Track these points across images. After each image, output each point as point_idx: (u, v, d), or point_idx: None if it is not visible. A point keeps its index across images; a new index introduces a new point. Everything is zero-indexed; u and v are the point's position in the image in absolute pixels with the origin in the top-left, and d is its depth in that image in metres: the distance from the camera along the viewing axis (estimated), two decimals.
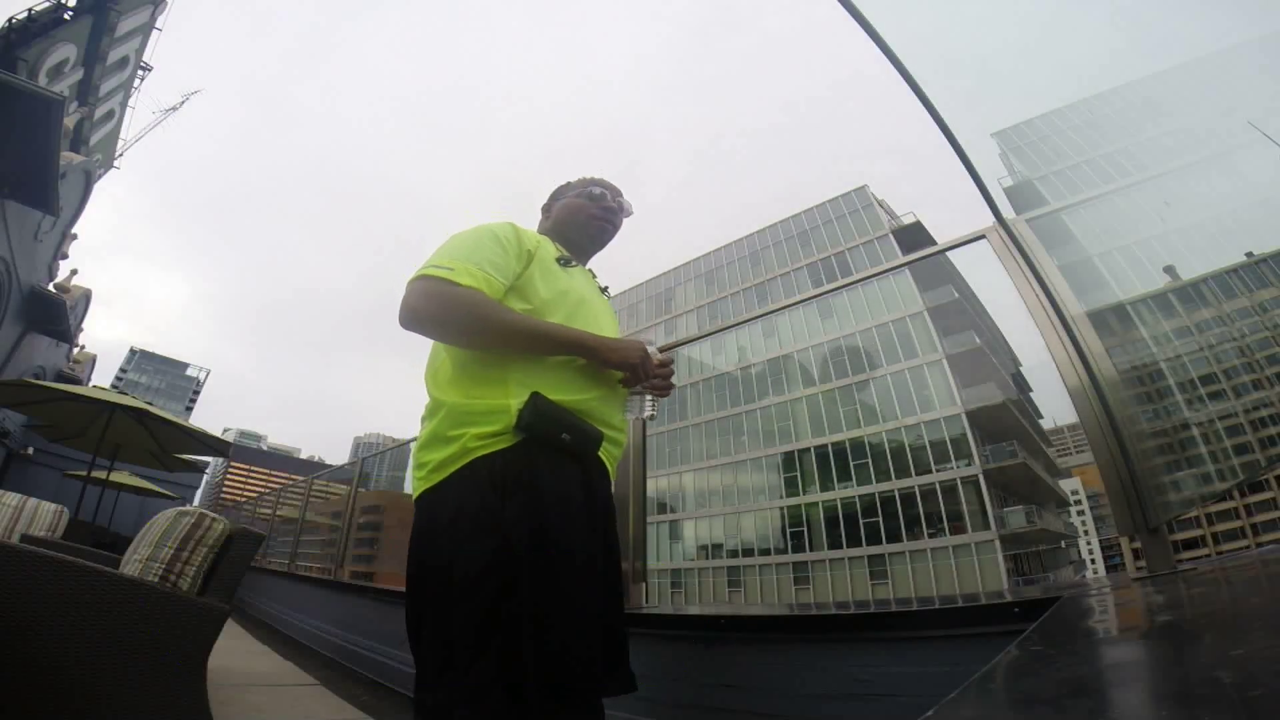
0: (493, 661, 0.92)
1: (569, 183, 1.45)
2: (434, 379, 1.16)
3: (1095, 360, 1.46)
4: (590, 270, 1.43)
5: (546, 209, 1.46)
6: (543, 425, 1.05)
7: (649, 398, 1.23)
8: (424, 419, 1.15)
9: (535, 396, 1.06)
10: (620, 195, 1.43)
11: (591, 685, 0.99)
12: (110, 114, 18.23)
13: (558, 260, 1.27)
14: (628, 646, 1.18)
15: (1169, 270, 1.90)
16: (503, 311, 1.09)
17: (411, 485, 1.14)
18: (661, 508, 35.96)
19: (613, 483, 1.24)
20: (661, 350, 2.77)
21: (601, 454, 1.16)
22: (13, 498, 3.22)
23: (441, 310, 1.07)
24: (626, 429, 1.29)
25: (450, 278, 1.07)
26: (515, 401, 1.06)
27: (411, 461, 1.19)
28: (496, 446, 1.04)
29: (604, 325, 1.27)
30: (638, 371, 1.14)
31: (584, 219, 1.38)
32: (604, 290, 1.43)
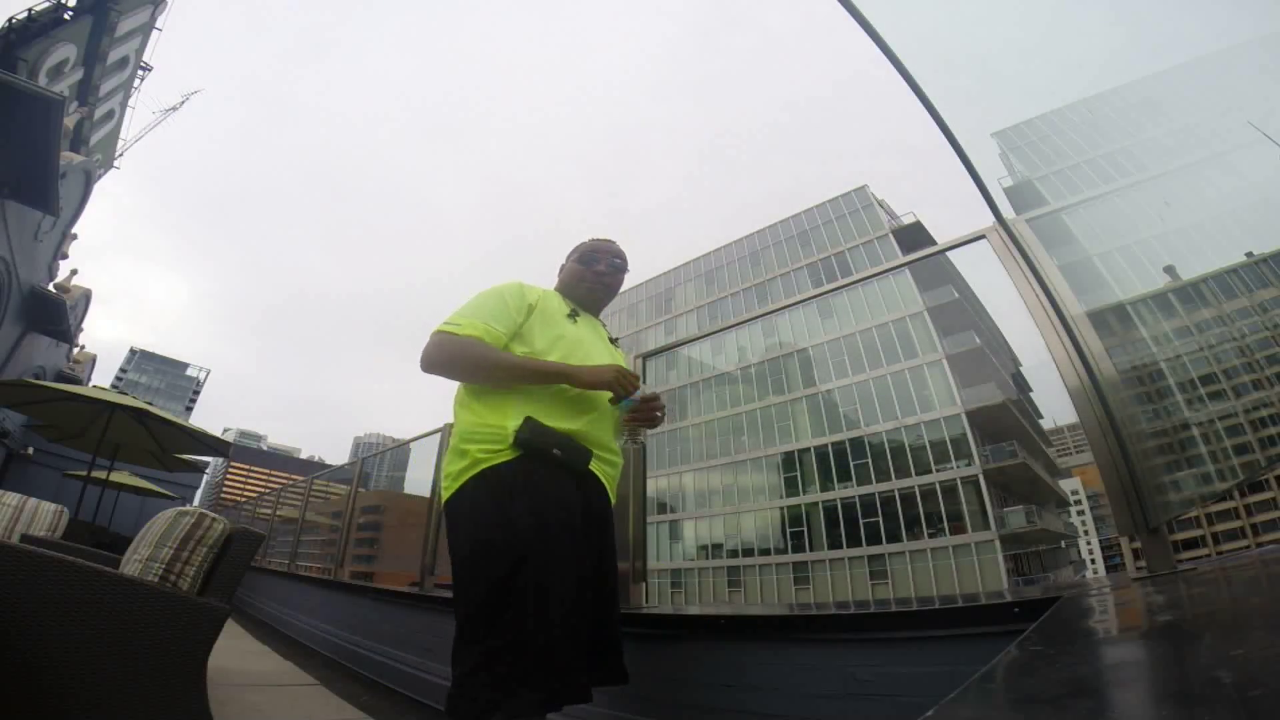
0: (501, 632, 1.10)
1: (578, 245, 1.67)
2: (457, 402, 1.39)
3: (1095, 360, 1.46)
4: (600, 322, 1.64)
5: (561, 268, 1.68)
6: (536, 442, 1.26)
7: (630, 429, 1.46)
8: (451, 437, 1.38)
9: (527, 420, 1.27)
10: (619, 256, 1.65)
11: (579, 655, 1.17)
12: (110, 114, 18.22)
13: (568, 316, 1.49)
14: (621, 644, 1.35)
15: (1169, 270, 1.90)
16: (495, 353, 1.32)
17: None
18: (661, 508, 35.94)
19: (612, 498, 1.43)
20: (661, 350, 2.77)
21: (595, 469, 1.36)
22: (13, 498, 3.22)
23: (447, 356, 1.31)
24: (620, 450, 1.49)
25: (456, 331, 1.32)
26: (512, 424, 1.27)
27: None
28: (500, 459, 1.25)
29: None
30: (614, 386, 1.32)
31: (575, 283, 1.61)
32: (614, 341, 1.67)
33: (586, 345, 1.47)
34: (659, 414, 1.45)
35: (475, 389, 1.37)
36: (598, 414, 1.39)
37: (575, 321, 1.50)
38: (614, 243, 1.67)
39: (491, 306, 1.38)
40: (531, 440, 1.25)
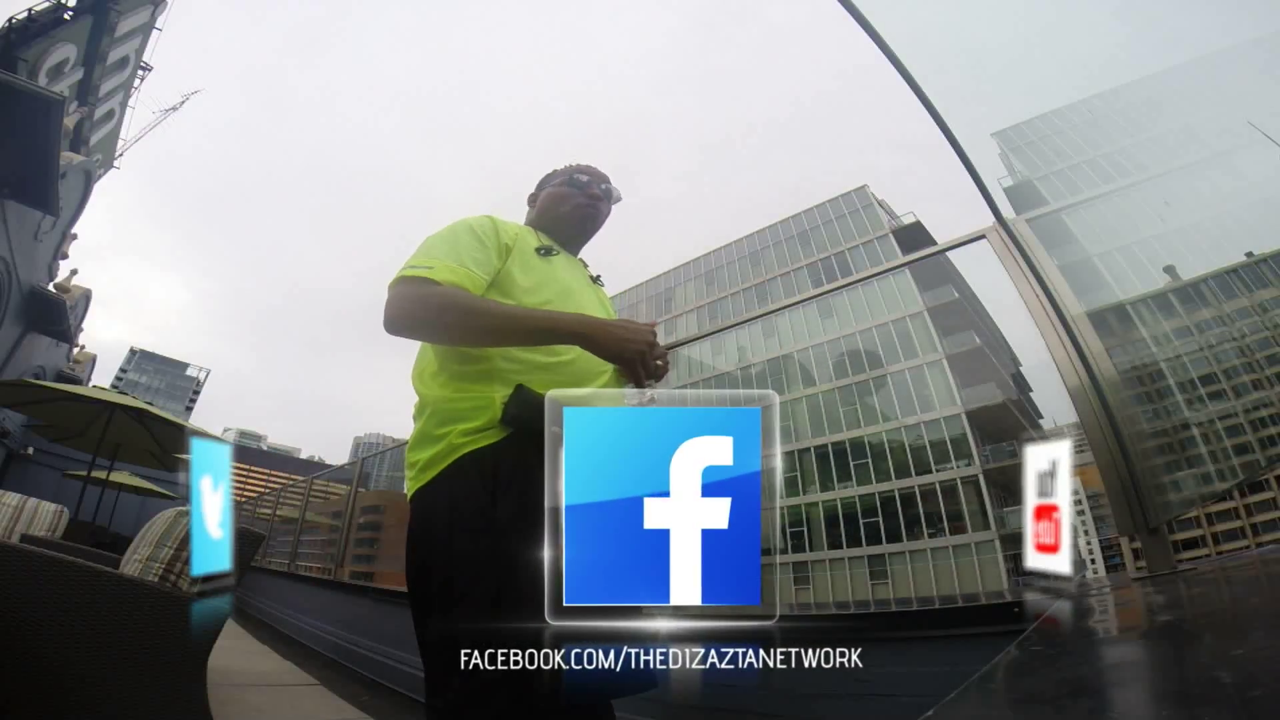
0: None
1: (554, 170, 1.40)
2: (419, 377, 1.14)
3: (1095, 360, 1.46)
4: (581, 260, 1.37)
5: (532, 199, 1.40)
6: (531, 416, 0.99)
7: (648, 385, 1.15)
8: (414, 418, 1.12)
9: (519, 388, 1.02)
10: (607, 181, 1.37)
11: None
12: (110, 114, 18.24)
13: (536, 250, 1.21)
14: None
15: (1169, 270, 1.90)
16: (490, 303, 1.05)
17: (405, 485, 1.12)
18: None
19: None
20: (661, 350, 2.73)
21: None
22: (13, 498, 3.22)
23: (426, 311, 1.03)
24: None
25: (430, 275, 1.02)
26: (499, 394, 1.02)
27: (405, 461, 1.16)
28: (484, 442, 1.01)
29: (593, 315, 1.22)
30: (635, 368, 1.03)
31: (569, 208, 1.31)
32: (596, 279, 1.38)
33: (575, 291, 1.21)
34: (661, 362, 1.14)
35: (447, 353, 1.09)
36: (604, 379, 1.14)
37: (551, 260, 1.22)
38: (597, 169, 1.39)
39: (467, 245, 1.09)
40: (525, 414, 0.99)
